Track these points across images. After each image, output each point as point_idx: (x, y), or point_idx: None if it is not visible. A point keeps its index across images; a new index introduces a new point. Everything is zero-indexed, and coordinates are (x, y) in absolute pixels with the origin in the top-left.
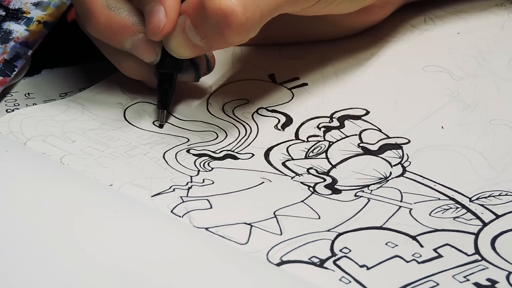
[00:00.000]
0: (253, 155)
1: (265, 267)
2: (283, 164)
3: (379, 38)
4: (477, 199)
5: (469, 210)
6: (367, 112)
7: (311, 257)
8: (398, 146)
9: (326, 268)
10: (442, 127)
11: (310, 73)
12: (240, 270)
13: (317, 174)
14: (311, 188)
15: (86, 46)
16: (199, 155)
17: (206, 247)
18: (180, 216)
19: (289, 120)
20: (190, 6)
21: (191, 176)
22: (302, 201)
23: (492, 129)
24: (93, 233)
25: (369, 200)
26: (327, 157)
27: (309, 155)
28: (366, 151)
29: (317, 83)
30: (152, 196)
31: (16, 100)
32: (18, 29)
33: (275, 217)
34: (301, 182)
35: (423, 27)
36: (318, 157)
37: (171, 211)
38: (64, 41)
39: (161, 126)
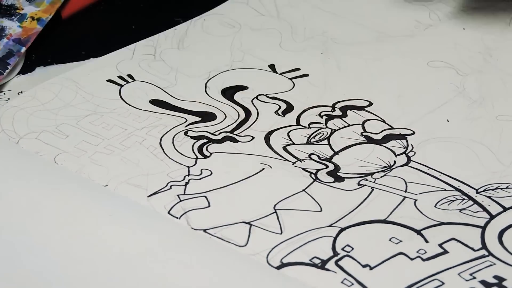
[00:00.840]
0: (253, 138)
1: (265, 271)
2: (284, 148)
3: (382, 33)
4: (484, 191)
5: (475, 202)
6: (370, 104)
7: (312, 258)
8: (402, 137)
9: (327, 269)
10: (448, 121)
11: (311, 65)
12: (239, 275)
13: (319, 160)
14: (312, 175)
15: (80, 43)
16: (197, 138)
17: (204, 251)
18: (177, 218)
19: (290, 107)
20: None
21: (188, 167)
22: (303, 190)
23: (499, 124)
24: (88, 237)
25: (372, 190)
26: (329, 144)
27: (311, 140)
28: (370, 140)
29: (319, 74)
30: (148, 196)
31: (9, 99)
32: (11, 26)
33: (275, 212)
34: (303, 168)
35: (428, 22)
36: (320, 143)
37: (168, 212)
38: (59, 38)
39: None
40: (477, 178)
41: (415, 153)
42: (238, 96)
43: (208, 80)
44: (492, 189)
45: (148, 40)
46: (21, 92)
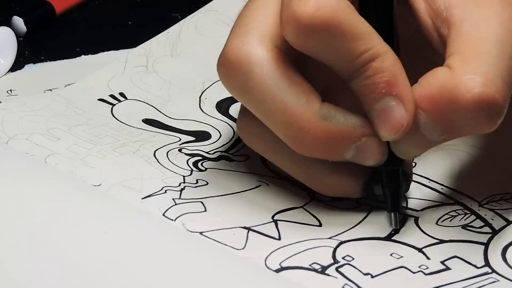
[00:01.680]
0: (248, 157)
1: (264, 274)
2: None
3: None
4: (487, 203)
5: (478, 217)
6: None
7: (312, 263)
8: None
9: (328, 275)
10: None
11: None
12: (237, 278)
13: None
14: (310, 194)
15: (75, 40)
16: (192, 155)
17: (200, 252)
18: (172, 220)
19: None
20: (427, 100)
21: (183, 176)
22: (301, 206)
23: (503, 128)
24: (80, 238)
25: (372, 209)
26: None
27: None
28: None
29: None
30: (142, 198)
31: None
32: None
33: (274, 221)
34: (299, 187)
35: None
36: None
37: (163, 214)
38: (52, 34)
39: (396, 231)
40: (480, 188)
41: (415, 164)
42: (233, 110)
43: (202, 93)
44: (496, 201)
45: (140, 48)
46: (10, 90)
